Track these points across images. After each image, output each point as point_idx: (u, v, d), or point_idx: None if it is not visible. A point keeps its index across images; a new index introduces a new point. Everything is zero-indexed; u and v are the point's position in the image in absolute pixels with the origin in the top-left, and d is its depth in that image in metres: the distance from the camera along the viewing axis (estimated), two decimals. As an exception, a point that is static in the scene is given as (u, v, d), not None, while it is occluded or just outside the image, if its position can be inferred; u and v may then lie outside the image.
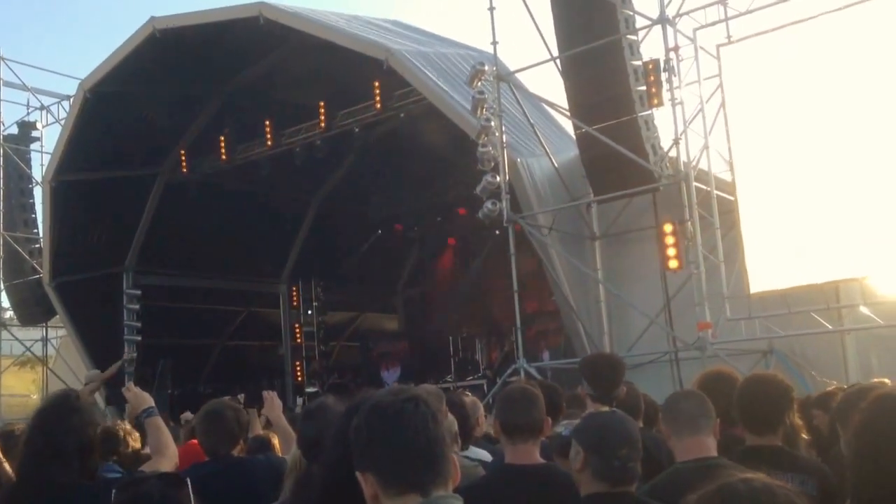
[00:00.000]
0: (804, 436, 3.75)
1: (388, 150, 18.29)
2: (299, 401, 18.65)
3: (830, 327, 10.92)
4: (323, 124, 17.04)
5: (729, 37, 12.10)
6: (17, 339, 21.46)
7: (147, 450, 4.68)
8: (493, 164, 12.94)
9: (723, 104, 11.72)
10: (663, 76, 11.66)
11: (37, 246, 19.76)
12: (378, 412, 1.80)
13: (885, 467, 1.83)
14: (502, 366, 19.45)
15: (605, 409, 3.49)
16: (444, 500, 1.74)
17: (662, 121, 11.99)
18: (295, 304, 22.28)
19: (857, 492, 1.96)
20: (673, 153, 11.90)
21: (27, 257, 19.79)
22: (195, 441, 4.65)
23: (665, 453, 3.75)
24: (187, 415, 8.56)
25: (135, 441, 4.84)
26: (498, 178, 12.91)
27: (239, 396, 4.97)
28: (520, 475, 3.20)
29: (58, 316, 19.46)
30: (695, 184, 11.55)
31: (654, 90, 11.66)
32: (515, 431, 3.26)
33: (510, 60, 14.15)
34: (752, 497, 1.50)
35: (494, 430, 3.49)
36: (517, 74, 13.92)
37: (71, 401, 3.36)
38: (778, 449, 3.28)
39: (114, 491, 3.07)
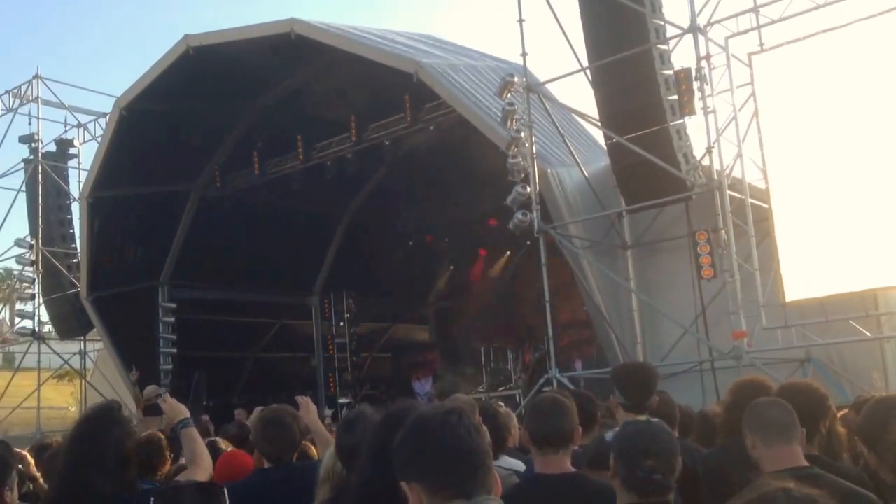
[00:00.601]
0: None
1: (419, 162, 18.37)
2: (328, 412, 18.71)
3: (869, 335, 10.75)
4: (354, 138, 17.16)
5: (761, 45, 12.00)
6: (55, 352, 21.78)
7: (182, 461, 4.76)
8: (523, 174, 12.95)
9: (755, 112, 11.62)
10: (695, 85, 11.60)
11: (75, 261, 20.07)
12: (423, 424, 1.90)
13: None
14: (537, 368, 19.38)
15: (642, 418, 3.46)
16: (487, 500, 1.83)
17: (695, 129, 11.94)
18: (327, 316, 22.39)
19: None
20: (706, 161, 11.82)
21: (65, 272, 20.10)
22: (235, 451, 4.69)
23: (700, 464, 3.73)
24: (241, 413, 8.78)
25: (163, 450, 4.91)
26: (528, 189, 12.92)
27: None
28: (550, 484, 3.20)
29: (95, 329, 19.76)
30: (728, 192, 11.46)
31: (686, 99, 11.60)
32: (544, 441, 3.27)
33: (540, 72, 14.19)
34: None
35: (524, 439, 3.49)
36: (547, 85, 13.93)
37: (112, 413, 3.42)
38: (815, 458, 3.25)
39: (152, 499, 3.12)
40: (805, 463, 3.06)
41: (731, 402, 3.98)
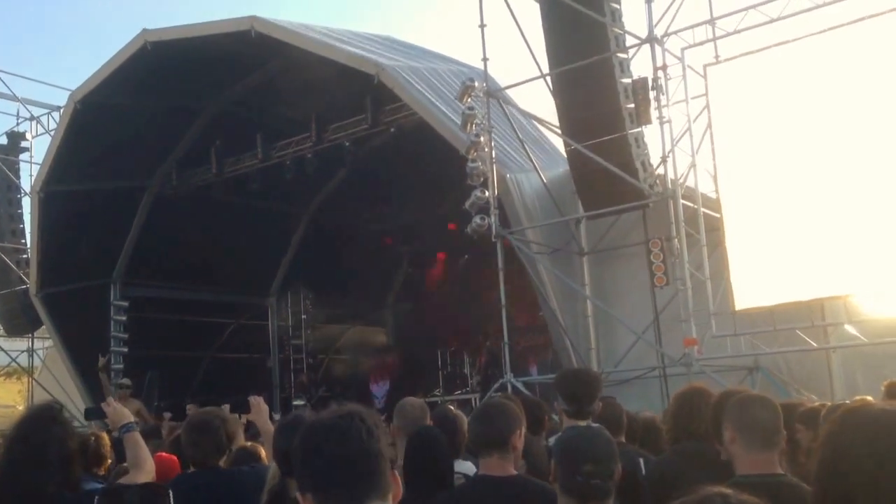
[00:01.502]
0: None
1: (379, 164, 18.35)
2: (276, 416, 18.56)
3: (815, 345, 11.00)
4: (314, 138, 17.08)
5: (717, 56, 12.24)
6: (2, 349, 21.34)
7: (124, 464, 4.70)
8: (482, 179, 13.00)
9: (709, 123, 11.82)
10: (651, 94, 11.76)
11: (24, 256, 19.70)
12: (314, 430, 1.82)
13: (841, 483, 1.85)
14: (489, 370, 19.49)
15: (583, 423, 3.51)
16: None
17: (651, 138, 12.11)
18: (283, 316, 22.23)
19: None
20: (661, 171, 11.99)
21: (14, 267, 19.72)
22: (163, 455, 4.66)
23: (641, 472, 3.79)
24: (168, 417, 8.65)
25: (105, 447, 4.85)
26: (487, 193, 12.97)
27: (224, 406, 4.97)
28: (491, 486, 3.23)
29: (44, 327, 19.38)
30: (682, 201, 11.63)
31: (642, 108, 11.75)
32: (482, 444, 3.31)
33: (501, 77, 14.27)
34: None
35: (467, 443, 3.53)
36: (507, 91, 14.01)
37: (53, 412, 3.38)
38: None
39: (96, 498, 3.08)
40: (780, 470, 3.03)
41: (676, 410, 4.04)
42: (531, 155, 13.77)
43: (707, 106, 11.85)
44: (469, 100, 13.12)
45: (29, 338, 21.35)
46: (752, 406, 3.14)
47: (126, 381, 13.42)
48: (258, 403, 4.59)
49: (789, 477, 3.01)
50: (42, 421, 3.30)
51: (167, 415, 11.54)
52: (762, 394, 3.44)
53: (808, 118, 10.88)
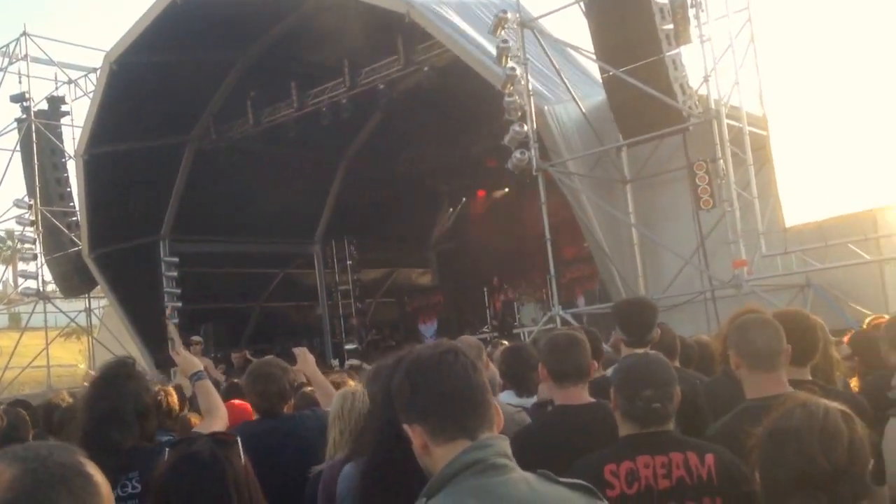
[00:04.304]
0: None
1: (414, 105, 18.21)
2: (335, 361, 18.90)
3: (868, 258, 10.81)
4: (347, 82, 16.99)
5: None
6: (61, 311, 21.93)
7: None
8: (520, 113, 12.86)
9: (752, 38, 11.49)
10: (690, 12, 11.44)
11: (74, 219, 20.04)
12: (419, 365, 1.88)
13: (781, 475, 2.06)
14: (506, 317, 19.61)
15: (640, 351, 3.53)
16: (491, 440, 1.81)
17: (691, 58, 11.82)
18: (329, 263, 22.47)
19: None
20: (703, 91, 11.73)
21: (65, 230, 20.12)
22: (237, 402, 4.77)
23: (701, 394, 3.81)
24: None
25: (173, 401, 4.99)
26: (525, 127, 12.84)
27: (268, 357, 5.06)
28: (575, 413, 3.36)
29: (99, 287, 19.86)
30: (726, 121, 11.39)
31: (681, 28, 11.45)
32: (565, 377, 3.39)
33: (533, 6, 13.97)
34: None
35: (541, 375, 3.60)
36: (541, 20, 13.74)
37: (127, 368, 3.49)
38: (807, 383, 3.27)
39: (167, 450, 3.20)
40: (785, 389, 3.00)
41: (728, 332, 4.03)
42: (568, 85, 13.55)
43: (749, 20, 11.50)
44: (503, 32, 12.91)
45: (85, 298, 21.92)
46: (750, 329, 3.12)
47: (198, 338, 13.72)
48: (304, 354, 4.66)
49: (795, 393, 3.00)
50: (117, 378, 3.41)
51: (220, 367, 11.81)
52: (763, 316, 3.40)
53: (853, 26, 10.53)
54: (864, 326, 5.05)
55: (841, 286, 11.43)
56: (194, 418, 4.93)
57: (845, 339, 4.92)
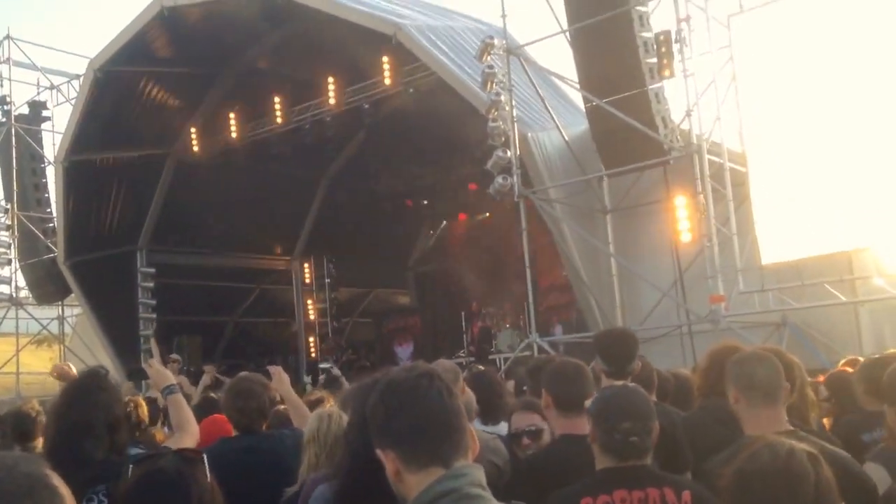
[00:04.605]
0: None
1: (398, 126, 18.25)
2: (308, 378, 18.76)
3: (844, 298, 10.89)
4: (333, 101, 17.01)
5: (741, 6, 11.98)
6: (33, 317, 21.63)
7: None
8: (503, 138, 12.90)
9: (734, 75, 11.62)
10: (675, 47, 11.58)
11: (51, 225, 19.87)
12: (393, 388, 1.82)
13: None
14: (482, 343, 19.54)
15: (619, 383, 3.52)
16: (466, 469, 1.76)
17: (674, 93, 11.94)
18: (307, 280, 22.35)
19: None
20: (685, 125, 11.84)
21: (41, 237, 19.91)
22: (218, 416, 4.70)
23: (680, 429, 3.79)
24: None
25: (143, 413, 4.90)
26: (508, 153, 12.89)
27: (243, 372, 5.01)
28: (576, 444, 3.26)
29: (73, 294, 19.62)
30: (707, 156, 11.49)
31: (665, 62, 11.58)
32: (572, 406, 3.35)
33: (520, 34, 14.09)
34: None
35: (545, 402, 3.54)
36: (527, 48, 13.85)
37: (99, 378, 3.41)
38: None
39: (130, 466, 3.13)
40: (789, 427, 3.00)
41: (707, 366, 4.03)
42: (552, 113, 13.63)
43: (731, 57, 11.64)
44: (489, 58, 12.97)
45: (58, 305, 21.63)
46: (749, 364, 3.10)
47: (175, 356, 13.57)
48: (279, 372, 4.61)
49: (796, 433, 3.00)
50: (89, 388, 3.33)
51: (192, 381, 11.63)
52: (763, 350, 3.40)
53: (834, 67, 10.66)
54: (839, 367, 5.08)
55: (817, 326, 11.49)
56: (159, 434, 4.86)
57: (820, 378, 4.93)
